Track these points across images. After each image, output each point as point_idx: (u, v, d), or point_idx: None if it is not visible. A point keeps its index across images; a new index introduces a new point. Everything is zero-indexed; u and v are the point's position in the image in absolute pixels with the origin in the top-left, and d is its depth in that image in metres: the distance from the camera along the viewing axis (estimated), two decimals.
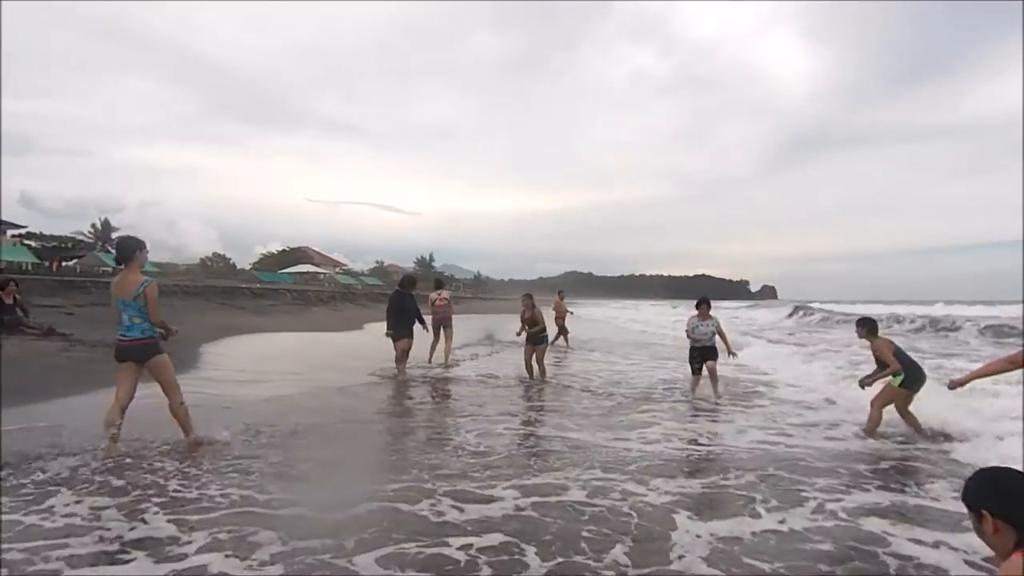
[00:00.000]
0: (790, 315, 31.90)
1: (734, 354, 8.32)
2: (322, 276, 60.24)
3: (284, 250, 66.48)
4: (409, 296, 9.16)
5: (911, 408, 5.77)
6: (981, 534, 1.61)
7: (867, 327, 6.02)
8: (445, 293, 11.25)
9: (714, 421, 6.56)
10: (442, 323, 10.90)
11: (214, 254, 70.84)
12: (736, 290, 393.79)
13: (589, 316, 36.42)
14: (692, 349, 8.24)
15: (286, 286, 37.19)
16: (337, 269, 73.32)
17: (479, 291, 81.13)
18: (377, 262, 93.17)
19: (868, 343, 6.02)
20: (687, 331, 8.27)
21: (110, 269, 38.97)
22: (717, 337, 8.10)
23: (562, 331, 15.17)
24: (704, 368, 8.04)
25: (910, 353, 6.03)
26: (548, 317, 14.74)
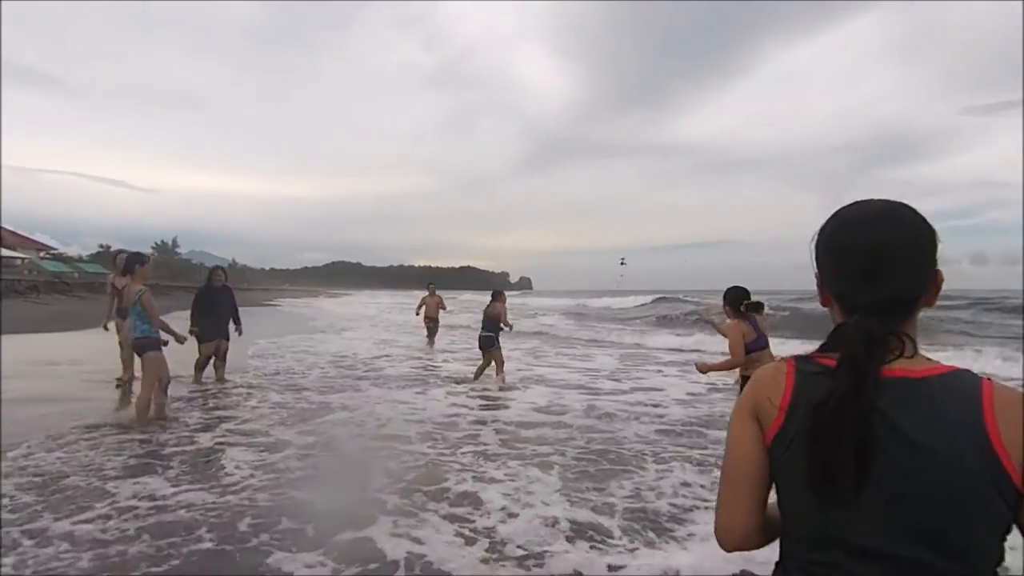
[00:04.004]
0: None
1: None
2: (19, 262, 48.37)
3: None
4: (227, 290, 8.37)
5: None
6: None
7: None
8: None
9: None
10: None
11: None
12: (499, 281, 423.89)
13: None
14: None
15: None
16: (41, 253, 59.33)
17: (235, 281, 73.74)
18: (101, 246, 77.52)
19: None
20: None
21: None
22: None
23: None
24: None
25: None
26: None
